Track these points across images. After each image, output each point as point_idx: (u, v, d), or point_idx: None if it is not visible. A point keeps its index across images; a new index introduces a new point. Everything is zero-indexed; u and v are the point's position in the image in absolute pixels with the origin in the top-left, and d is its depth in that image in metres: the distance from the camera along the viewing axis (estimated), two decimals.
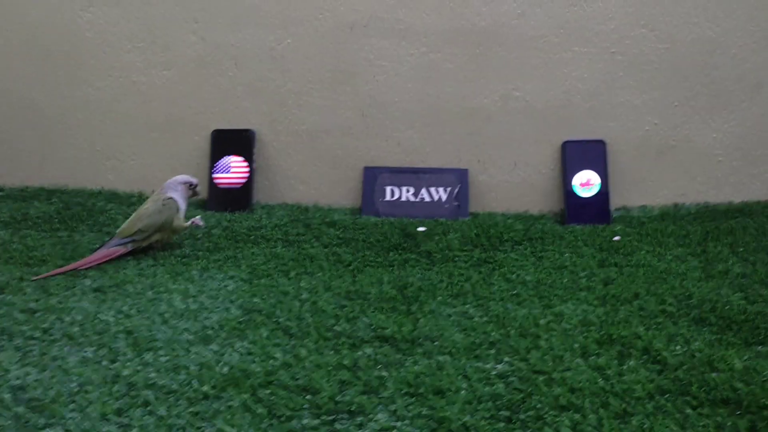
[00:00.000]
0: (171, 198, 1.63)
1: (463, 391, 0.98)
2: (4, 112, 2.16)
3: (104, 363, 1.05)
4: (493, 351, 1.12)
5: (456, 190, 2.00)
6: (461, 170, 2.02)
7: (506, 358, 1.09)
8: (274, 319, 1.22)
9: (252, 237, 1.74)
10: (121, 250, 1.55)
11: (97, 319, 1.22)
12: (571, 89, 2.00)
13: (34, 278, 1.42)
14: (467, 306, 1.32)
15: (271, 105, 2.07)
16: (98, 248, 1.55)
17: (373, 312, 1.28)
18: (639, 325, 1.20)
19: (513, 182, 2.03)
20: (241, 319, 1.22)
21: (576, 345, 1.12)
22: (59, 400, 0.93)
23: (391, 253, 1.65)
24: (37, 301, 1.30)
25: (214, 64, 2.08)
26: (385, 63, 2.04)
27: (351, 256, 1.61)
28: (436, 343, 1.15)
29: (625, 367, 1.05)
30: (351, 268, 1.53)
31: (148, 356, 1.07)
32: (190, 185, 1.69)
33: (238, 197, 2.01)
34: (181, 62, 2.09)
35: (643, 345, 1.12)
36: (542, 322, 1.23)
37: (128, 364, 1.05)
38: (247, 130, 2.05)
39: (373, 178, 2.02)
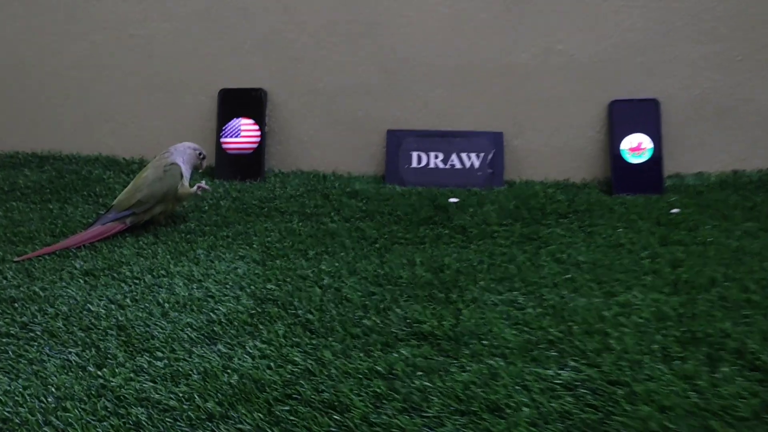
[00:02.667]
0: (174, 164, 1.44)
1: (525, 408, 0.80)
2: None
3: (90, 369, 0.88)
4: (554, 352, 0.93)
5: (490, 156, 1.80)
6: (495, 134, 1.81)
7: (571, 362, 0.91)
8: (292, 311, 1.04)
9: (264, 209, 1.55)
10: (119, 226, 1.38)
11: (86, 310, 1.04)
12: (621, 42, 1.78)
13: (17, 259, 1.24)
14: (515, 293, 1.13)
15: (284, 61, 1.86)
16: (92, 223, 1.38)
17: (406, 301, 1.09)
18: (725, 320, 1.01)
19: (553, 147, 1.82)
20: (253, 311, 1.04)
21: (654, 346, 0.94)
22: (30, 421, 0.76)
23: (421, 228, 1.46)
24: (17, 287, 1.13)
25: (221, 16, 1.87)
26: (410, 13, 1.82)
27: (376, 231, 1.42)
28: (484, 341, 0.97)
29: (718, 375, 0.87)
30: (377, 246, 1.35)
31: (143, 360, 0.90)
32: (199, 153, 1.51)
33: (248, 164, 1.82)
34: (184, 14, 1.88)
35: (734, 346, 0.94)
36: (607, 314, 1.04)
37: (118, 370, 0.87)
38: (257, 90, 1.85)
39: (398, 142, 1.82)
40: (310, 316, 1.02)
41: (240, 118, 1.84)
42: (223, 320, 1.01)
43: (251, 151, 1.83)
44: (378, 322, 1.02)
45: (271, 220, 1.49)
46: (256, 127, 1.83)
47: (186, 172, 1.46)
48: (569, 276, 1.20)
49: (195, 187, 1.48)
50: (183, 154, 1.47)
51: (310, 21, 1.85)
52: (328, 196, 1.64)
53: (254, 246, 1.33)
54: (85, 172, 1.76)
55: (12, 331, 0.97)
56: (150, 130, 1.91)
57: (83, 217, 1.47)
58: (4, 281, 1.15)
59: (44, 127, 1.96)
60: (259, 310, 1.04)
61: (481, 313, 1.05)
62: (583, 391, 0.84)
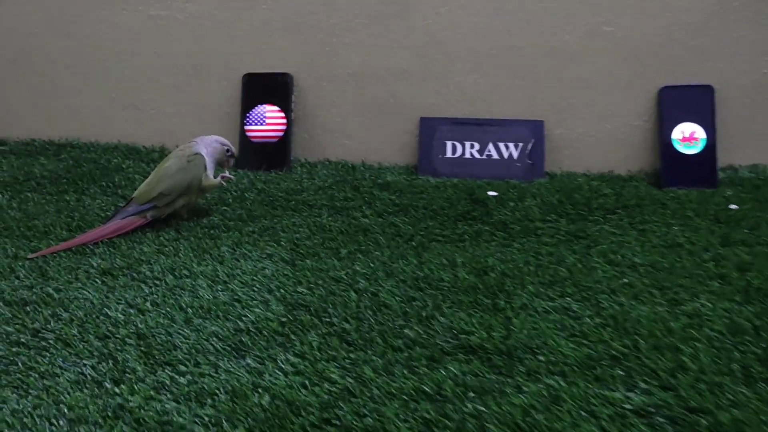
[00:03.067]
0: (198, 154, 1.36)
1: None
2: (5, 54, 1.89)
3: (107, 384, 0.79)
4: (619, 371, 0.84)
5: (529, 146, 1.69)
6: (536, 122, 1.70)
7: (641, 383, 0.81)
8: (326, 319, 0.95)
9: (292, 202, 1.46)
10: (139, 221, 1.29)
11: (103, 315, 0.96)
12: (673, 23, 1.65)
13: (31, 256, 1.17)
14: (568, 299, 1.04)
15: (311, 44, 1.76)
16: (111, 217, 1.30)
17: (450, 308, 1.00)
18: None
19: (597, 136, 1.70)
20: (283, 319, 0.95)
21: (733, 365, 0.84)
22: None
23: (459, 224, 1.36)
24: (30, 288, 1.05)
25: None
26: None
27: (412, 228, 1.33)
28: (539, 356, 0.87)
29: None
30: (413, 244, 1.25)
31: (164, 375, 0.82)
32: (227, 150, 1.42)
33: (273, 153, 1.73)
34: None
35: None
36: (675, 326, 0.94)
37: (138, 387, 0.79)
38: (283, 74, 1.76)
39: (431, 131, 1.72)
40: (346, 325, 0.93)
41: (265, 105, 1.75)
42: (251, 329, 0.92)
43: (276, 139, 1.74)
44: (421, 332, 0.92)
45: (299, 215, 1.39)
46: (282, 114, 1.74)
47: (210, 165, 1.37)
48: (626, 280, 1.10)
49: (218, 178, 1.39)
50: (208, 146, 1.38)
51: (340, 1, 1.74)
52: (359, 188, 1.55)
53: (282, 243, 1.24)
54: (104, 161, 1.68)
55: (23, 339, 0.89)
56: (171, 116, 1.83)
57: (101, 209, 1.39)
58: (16, 281, 1.07)
59: (62, 113, 1.88)
60: (291, 318, 0.95)
61: (533, 323, 0.96)
62: (660, 419, 0.74)
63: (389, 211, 1.42)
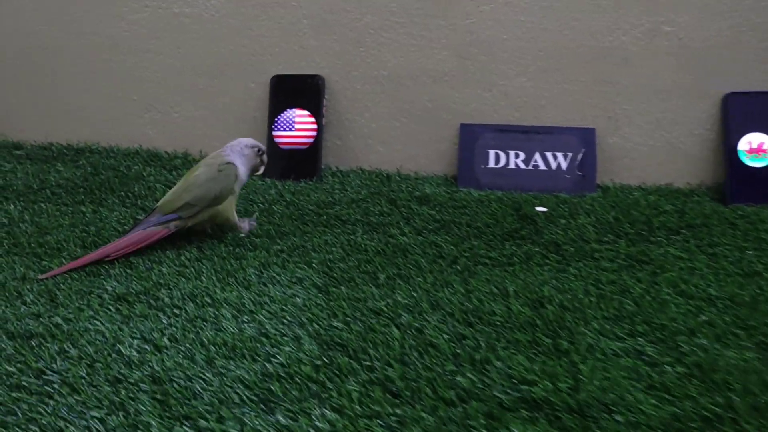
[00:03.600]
0: (230, 163, 1.25)
1: None
2: (22, 54, 1.80)
3: None
4: None
5: (579, 156, 1.56)
6: (587, 130, 1.57)
7: None
8: (366, 362, 0.84)
9: (323, 217, 1.35)
10: (162, 231, 1.18)
11: (116, 352, 0.86)
12: (741, 23, 1.51)
13: (41, 277, 1.07)
14: (640, 340, 0.91)
15: (344, 44, 1.65)
16: (132, 228, 1.20)
17: (506, 348, 0.88)
18: None
19: (654, 146, 1.57)
20: (318, 361, 0.84)
21: None
22: None
23: (506, 244, 1.24)
24: (37, 317, 0.95)
25: None
26: None
27: (455, 248, 1.21)
28: (617, 416, 0.75)
29: None
30: (458, 267, 1.13)
31: None
32: (258, 150, 1.30)
33: (303, 161, 1.62)
34: None
35: None
36: None
37: None
38: (314, 76, 1.65)
39: (473, 138, 1.60)
40: (389, 371, 0.82)
41: (294, 109, 1.64)
42: (281, 373, 0.81)
43: (306, 146, 1.63)
44: (475, 380, 0.80)
45: (332, 231, 1.28)
46: (312, 119, 1.63)
47: (243, 174, 1.25)
48: (704, 318, 0.97)
49: (246, 224, 1.28)
50: (241, 154, 1.26)
51: None
52: (395, 201, 1.43)
53: (314, 265, 1.13)
54: (124, 168, 1.58)
55: (24, 382, 0.79)
56: (195, 120, 1.73)
57: (119, 222, 1.29)
58: (23, 307, 0.97)
59: (80, 116, 1.79)
60: (326, 360, 0.84)
61: (604, 370, 0.83)
62: None
63: (429, 228, 1.30)
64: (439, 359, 0.85)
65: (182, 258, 1.15)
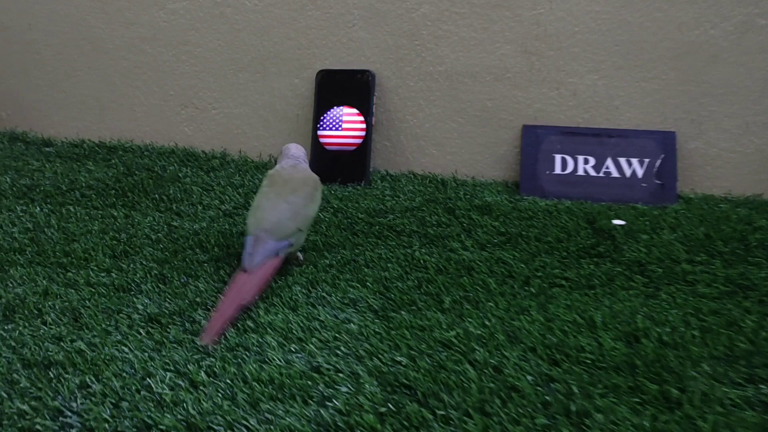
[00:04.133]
0: (317, 178, 1.10)
1: None
2: (53, 44, 1.71)
3: None
4: None
5: (658, 163, 1.40)
6: (666, 133, 1.41)
7: None
8: (441, 411, 0.70)
9: (375, 227, 1.22)
10: (277, 260, 0.99)
11: (145, 388, 0.74)
12: None
13: (202, 342, 0.84)
14: (764, 388, 0.76)
15: (397, 37, 1.52)
16: (245, 262, 0.96)
17: (604, 395, 0.74)
18: None
19: (743, 152, 1.40)
20: (381, 408, 0.71)
21: None
22: None
23: (583, 263, 1.09)
24: (58, 340, 0.83)
25: None
26: None
27: (525, 266, 1.07)
28: None
29: None
30: (532, 290, 0.99)
31: None
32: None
33: (350, 163, 1.49)
34: None
35: None
36: None
37: None
38: (364, 72, 1.52)
39: (537, 141, 1.45)
40: (469, 424, 0.68)
41: (342, 107, 1.51)
42: (339, 423, 0.68)
43: (354, 147, 1.50)
44: None
45: (385, 244, 1.15)
46: (361, 117, 1.50)
47: None
48: None
49: (301, 256, 1.12)
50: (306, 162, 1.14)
51: None
52: (453, 210, 1.29)
53: (368, 284, 1.00)
54: (158, 169, 1.47)
55: (39, 425, 0.67)
56: (234, 117, 1.61)
57: (152, 228, 1.18)
58: (43, 328, 0.86)
59: (114, 111, 1.69)
60: (392, 407, 0.70)
61: (728, 428, 0.69)
62: None
63: (494, 243, 1.16)
64: (526, 409, 0.71)
65: (221, 272, 1.03)
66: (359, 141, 1.49)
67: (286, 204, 1.02)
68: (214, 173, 1.46)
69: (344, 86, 1.51)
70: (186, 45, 1.62)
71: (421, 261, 1.08)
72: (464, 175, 1.51)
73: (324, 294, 0.97)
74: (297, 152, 1.12)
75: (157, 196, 1.33)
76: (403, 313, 0.91)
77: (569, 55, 1.44)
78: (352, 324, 0.88)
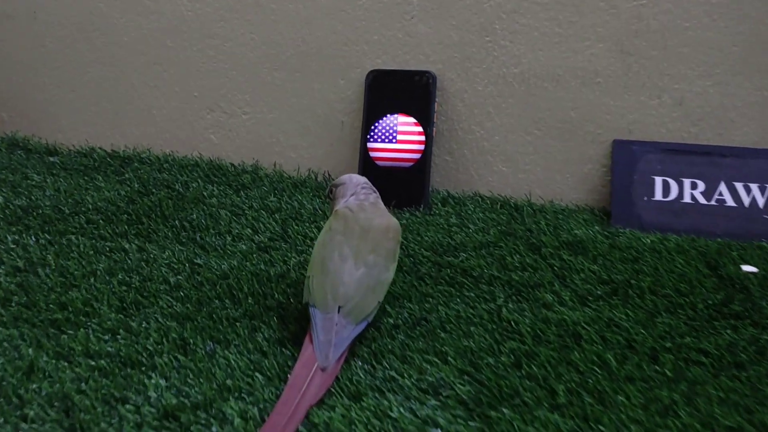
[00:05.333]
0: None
1: None
2: (61, 36, 1.49)
3: None
4: None
5: None
6: None
7: None
8: None
9: (446, 270, 0.98)
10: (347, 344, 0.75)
11: None
12: None
13: None
14: None
15: (464, 32, 1.28)
16: (323, 361, 0.71)
17: None
18: None
19: None
20: None
21: None
22: None
23: (717, 326, 0.85)
24: None
25: None
26: None
27: (645, 332, 0.82)
28: None
29: None
30: (666, 371, 0.75)
31: None
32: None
33: (406, 183, 1.26)
34: None
35: None
36: None
37: None
38: (423, 73, 1.28)
39: (632, 160, 1.21)
40: None
41: (396, 114, 1.28)
42: None
43: (411, 163, 1.26)
44: None
45: (461, 294, 0.92)
46: (420, 128, 1.26)
47: None
48: None
49: None
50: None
51: None
52: (539, 248, 1.05)
53: (449, 358, 0.76)
54: (180, 186, 1.25)
55: None
56: (268, 124, 1.39)
57: (171, 268, 0.95)
58: (22, 427, 0.64)
59: (129, 115, 1.47)
60: None
61: None
62: None
63: (597, 295, 0.92)
64: None
65: (258, 337, 0.80)
66: (417, 156, 1.26)
67: (366, 269, 0.78)
68: (245, 192, 1.24)
69: (400, 90, 1.27)
70: (213, 38, 1.39)
71: (512, 322, 0.85)
72: (539, 197, 1.27)
73: (394, 373, 0.73)
74: (360, 180, 0.88)
75: (177, 222, 1.10)
76: (504, 410, 0.68)
77: (676, 57, 1.19)
78: (437, 428, 0.65)
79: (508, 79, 1.26)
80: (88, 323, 0.81)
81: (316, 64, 1.34)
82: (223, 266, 0.96)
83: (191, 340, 0.78)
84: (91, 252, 0.99)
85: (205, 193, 1.21)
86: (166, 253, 1.00)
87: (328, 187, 0.92)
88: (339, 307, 0.76)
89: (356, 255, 0.79)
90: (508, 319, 0.85)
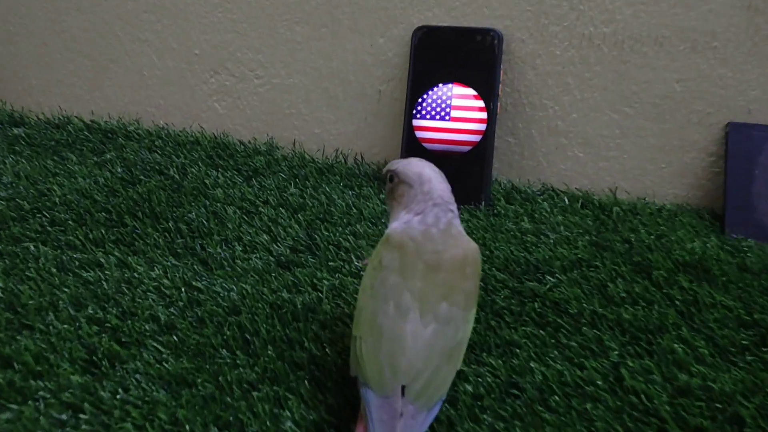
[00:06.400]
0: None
1: None
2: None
3: None
4: None
5: None
6: None
7: None
8: None
9: (531, 305, 0.72)
10: None
11: None
12: None
13: None
14: None
15: None
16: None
17: None
18: None
19: None
20: None
21: None
22: None
23: None
24: None
25: None
26: None
27: None
28: None
29: None
30: None
31: None
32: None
33: (461, 172, 0.99)
34: None
35: None
36: None
37: None
38: (486, 32, 1.00)
39: (752, 149, 0.94)
40: None
41: (450, 84, 1.01)
42: None
43: (469, 147, 1.00)
44: None
45: (559, 343, 0.66)
46: (480, 102, 1.00)
47: None
48: None
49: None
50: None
51: None
52: (648, 271, 0.80)
53: None
54: (175, 170, 0.98)
55: None
56: (285, 91, 1.12)
57: (161, 295, 0.70)
58: None
59: (114, 75, 1.19)
60: None
61: None
62: None
63: (741, 346, 0.67)
64: None
65: (284, 420, 0.55)
66: (477, 138, 0.99)
67: (437, 326, 0.53)
68: (259, 180, 0.98)
69: (456, 53, 1.00)
70: None
71: (642, 396, 0.60)
72: (625, 192, 1.01)
73: None
74: (437, 185, 0.63)
75: (171, 223, 0.85)
76: None
77: None
78: None
79: (595, 41, 0.99)
80: (39, 392, 0.57)
81: (349, 18, 1.06)
82: (231, 293, 0.71)
83: (188, 426, 0.54)
84: (54, 269, 0.73)
85: (207, 182, 0.96)
86: (156, 271, 0.75)
87: (384, 171, 0.66)
88: (403, 387, 0.51)
89: (422, 305, 0.54)
90: (633, 388, 0.61)
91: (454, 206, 0.61)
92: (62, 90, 1.22)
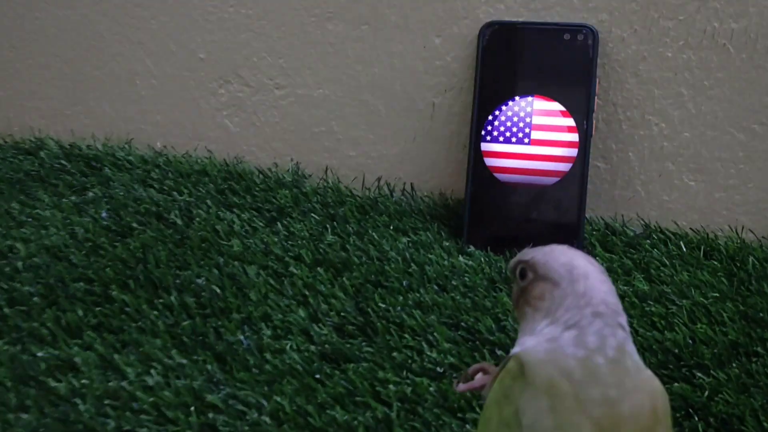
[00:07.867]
0: None
1: None
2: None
3: None
4: None
5: None
6: None
7: None
8: None
9: (692, 421, 0.52)
10: None
11: None
12: None
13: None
14: None
15: None
16: None
17: None
18: None
19: None
20: None
21: None
22: None
23: None
24: None
25: None
26: None
27: None
28: None
29: None
30: None
31: None
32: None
33: (547, 210, 0.76)
34: None
35: None
36: None
37: None
38: (577, 29, 0.78)
39: None
40: None
41: (530, 97, 0.79)
42: None
43: (556, 178, 0.78)
44: None
45: None
46: (570, 121, 0.78)
47: None
48: None
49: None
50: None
51: None
52: None
53: None
54: (176, 214, 0.76)
55: None
56: (314, 105, 0.89)
57: (161, 423, 0.50)
58: None
59: (98, 84, 0.97)
60: None
61: None
62: None
63: None
64: None
65: None
66: (565, 167, 0.77)
67: None
68: (285, 224, 0.76)
69: (537, 56, 0.78)
70: None
71: None
72: (749, 231, 0.80)
73: None
74: (598, 284, 0.41)
75: (174, 296, 0.63)
76: None
77: None
78: None
79: (719, 40, 0.77)
80: None
81: (397, 12, 0.84)
82: (263, 416, 0.50)
83: None
84: (9, 382, 0.52)
85: (219, 228, 0.74)
86: (154, 376, 0.53)
87: (513, 264, 0.44)
88: None
89: None
90: None
91: (624, 318, 0.39)
92: (35, 104, 1.00)
